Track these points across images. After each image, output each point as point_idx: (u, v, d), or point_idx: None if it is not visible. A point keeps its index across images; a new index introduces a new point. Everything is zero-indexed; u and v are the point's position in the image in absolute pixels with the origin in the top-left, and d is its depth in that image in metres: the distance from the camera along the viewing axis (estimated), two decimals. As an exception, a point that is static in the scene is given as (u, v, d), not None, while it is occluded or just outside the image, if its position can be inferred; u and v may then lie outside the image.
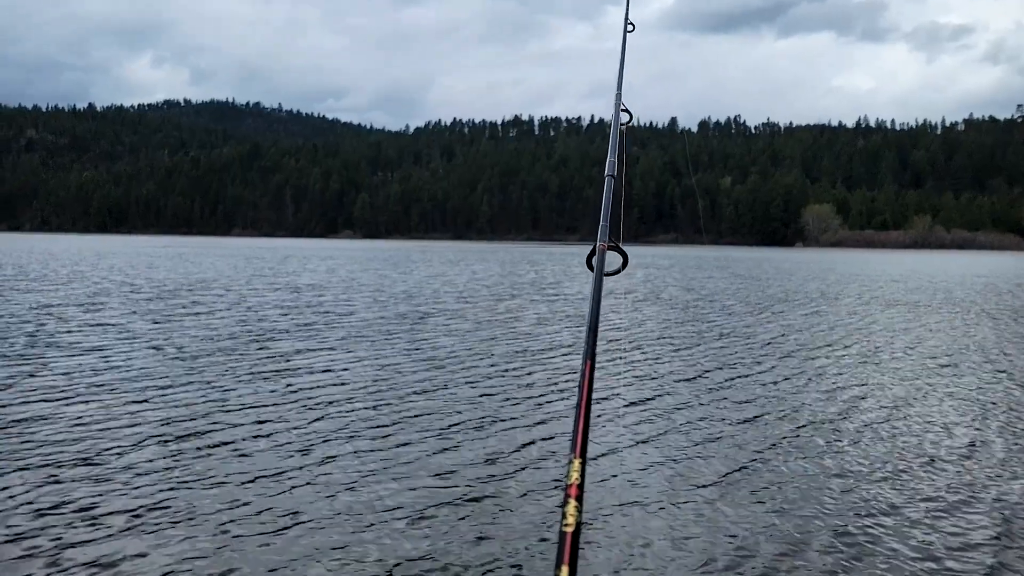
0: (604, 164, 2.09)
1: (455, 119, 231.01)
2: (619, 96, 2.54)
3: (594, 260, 1.79)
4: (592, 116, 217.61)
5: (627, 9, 2.96)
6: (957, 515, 4.11)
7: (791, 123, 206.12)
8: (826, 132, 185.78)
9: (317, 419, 5.82)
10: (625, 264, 1.86)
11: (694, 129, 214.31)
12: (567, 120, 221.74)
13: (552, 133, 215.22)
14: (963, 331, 12.76)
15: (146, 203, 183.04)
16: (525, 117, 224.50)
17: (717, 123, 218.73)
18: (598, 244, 1.81)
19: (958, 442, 5.55)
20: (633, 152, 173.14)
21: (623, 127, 2.39)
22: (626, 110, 2.47)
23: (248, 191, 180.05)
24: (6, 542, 3.53)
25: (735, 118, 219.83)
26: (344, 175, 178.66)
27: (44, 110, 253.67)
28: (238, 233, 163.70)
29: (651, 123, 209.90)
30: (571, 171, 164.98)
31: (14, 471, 4.43)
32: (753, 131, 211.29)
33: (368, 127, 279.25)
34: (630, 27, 2.88)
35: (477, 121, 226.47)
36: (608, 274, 1.76)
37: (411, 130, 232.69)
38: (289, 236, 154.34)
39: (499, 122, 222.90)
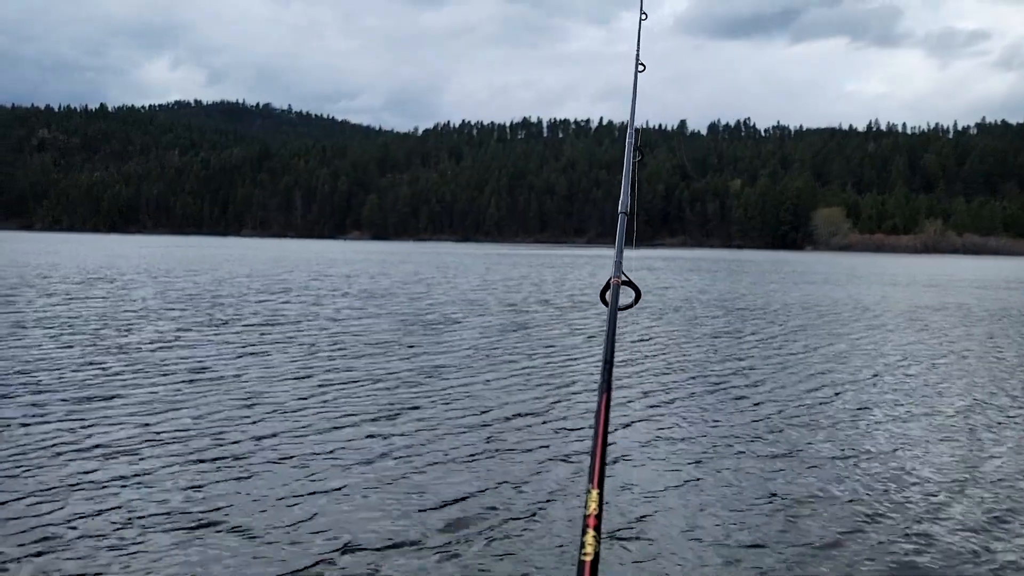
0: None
1: (464, 121, 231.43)
2: (630, 135, 2.51)
3: (608, 295, 1.81)
4: (601, 118, 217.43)
5: (638, 50, 2.94)
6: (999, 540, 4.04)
7: (801, 126, 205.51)
8: (836, 135, 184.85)
9: (355, 426, 5.80)
10: (638, 298, 1.87)
11: (703, 131, 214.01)
12: (575, 122, 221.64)
13: (561, 135, 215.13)
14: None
15: (156, 203, 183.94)
16: (534, 119, 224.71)
17: (727, 126, 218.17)
18: (612, 279, 1.84)
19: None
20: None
21: (635, 162, 2.38)
22: (639, 148, 2.46)
23: (258, 192, 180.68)
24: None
25: (745, 120, 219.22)
26: (353, 176, 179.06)
27: (56, 110, 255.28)
28: (247, 233, 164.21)
29: (660, 125, 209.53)
30: (579, 173, 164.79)
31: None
32: (763, 134, 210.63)
33: (378, 128, 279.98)
34: (641, 67, 2.88)
35: (486, 123, 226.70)
36: (622, 308, 1.79)
37: (420, 132, 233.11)
38: (298, 237, 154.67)
39: (507, 124, 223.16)
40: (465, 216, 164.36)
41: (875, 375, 9.09)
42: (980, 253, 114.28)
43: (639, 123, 2.59)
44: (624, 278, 1.86)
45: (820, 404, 7.36)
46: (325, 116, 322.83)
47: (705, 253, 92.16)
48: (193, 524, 3.97)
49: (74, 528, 3.89)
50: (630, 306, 1.85)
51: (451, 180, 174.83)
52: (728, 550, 3.89)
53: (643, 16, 3.11)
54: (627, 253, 1.97)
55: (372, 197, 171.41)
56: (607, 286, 1.83)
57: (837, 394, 7.88)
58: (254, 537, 3.86)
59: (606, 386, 1.47)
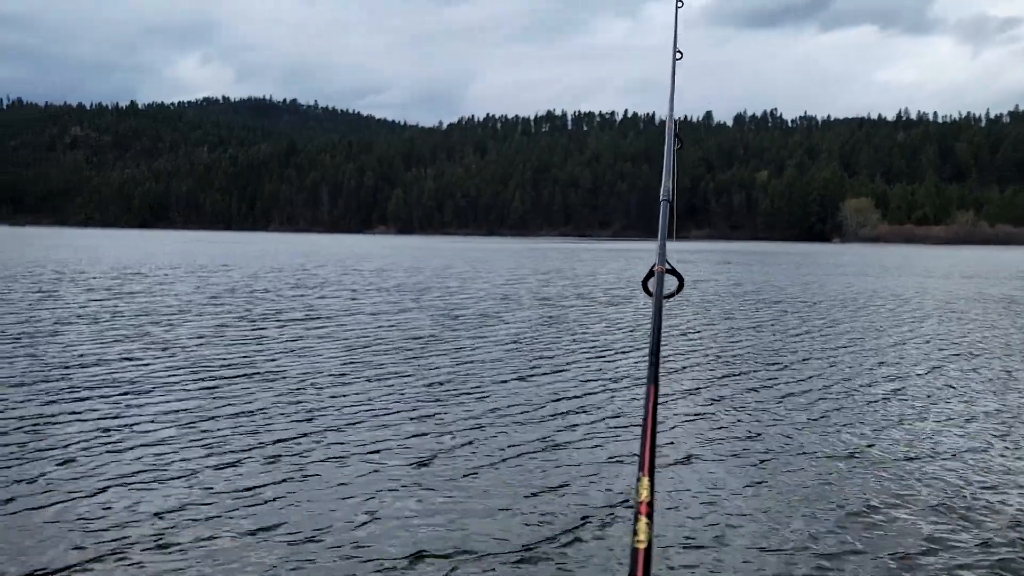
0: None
1: (488, 114, 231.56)
2: (670, 122, 2.53)
3: (651, 283, 1.80)
4: (626, 110, 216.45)
5: (675, 38, 2.94)
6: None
7: (829, 116, 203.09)
8: (865, 125, 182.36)
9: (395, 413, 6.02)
10: (681, 287, 1.86)
11: (729, 123, 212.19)
12: (600, 115, 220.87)
13: (585, 128, 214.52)
14: None
15: (186, 199, 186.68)
16: (559, 112, 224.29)
17: (753, 116, 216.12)
18: (656, 267, 1.83)
19: None
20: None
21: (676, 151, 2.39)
22: (678, 135, 2.45)
23: (285, 187, 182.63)
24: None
25: (771, 111, 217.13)
26: (378, 171, 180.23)
27: (88, 108, 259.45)
28: (275, 229, 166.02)
29: (685, 117, 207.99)
30: (603, 166, 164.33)
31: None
32: (790, 124, 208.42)
33: (403, 123, 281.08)
34: (678, 55, 2.87)
35: (510, 116, 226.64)
36: (665, 297, 1.78)
37: (444, 126, 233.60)
38: (325, 231, 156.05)
39: (531, 117, 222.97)
40: (490, 210, 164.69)
41: (926, 368, 8.89)
42: (1013, 244, 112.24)
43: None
44: (668, 266, 1.86)
45: (871, 399, 7.22)
46: (351, 111, 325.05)
47: (733, 245, 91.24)
48: (240, 526, 3.92)
49: (120, 529, 3.85)
50: (673, 295, 1.85)
51: (476, 174, 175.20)
52: (786, 537, 3.94)
53: (679, 3, 3.12)
54: (674, 245, 1.95)
55: (397, 192, 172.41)
56: (650, 274, 1.83)
57: (888, 388, 7.70)
58: (301, 542, 3.78)
59: (654, 375, 1.48)
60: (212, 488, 4.45)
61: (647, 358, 1.54)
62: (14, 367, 7.82)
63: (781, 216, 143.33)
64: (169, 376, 7.53)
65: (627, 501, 4.41)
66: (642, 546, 1.13)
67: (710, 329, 12.39)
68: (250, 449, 5.21)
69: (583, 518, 4.15)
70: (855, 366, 8.98)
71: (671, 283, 1.85)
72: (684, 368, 8.77)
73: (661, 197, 2.18)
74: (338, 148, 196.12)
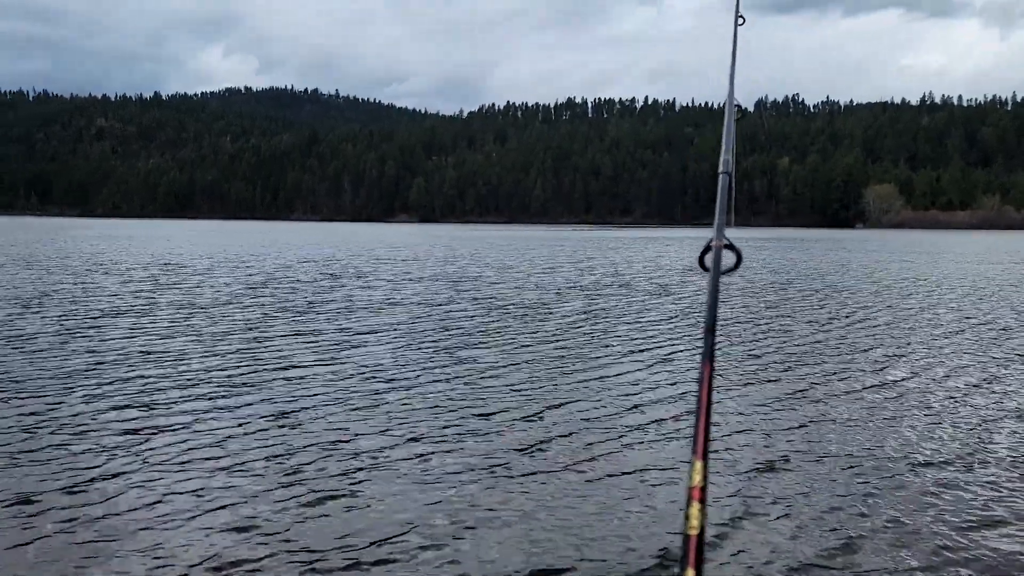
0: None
1: (509, 102, 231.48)
2: (731, 91, 2.46)
3: (708, 259, 1.76)
4: (647, 97, 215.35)
5: (737, 2, 2.83)
6: None
7: (852, 101, 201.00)
8: (889, 110, 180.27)
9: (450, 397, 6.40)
10: (739, 263, 1.81)
11: (750, 108, 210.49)
12: (620, 102, 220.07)
13: (605, 115, 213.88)
14: None
15: (210, 189, 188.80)
16: (579, 100, 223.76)
17: (775, 102, 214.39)
18: (713, 242, 1.78)
19: None
20: (686, 133, 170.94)
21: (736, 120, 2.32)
22: (738, 105, 2.38)
23: (307, 177, 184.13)
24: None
25: (793, 97, 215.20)
26: (400, 160, 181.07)
27: (113, 99, 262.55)
28: (298, 218, 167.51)
29: (707, 104, 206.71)
30: (624, 154, 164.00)
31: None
32: (812, 110, 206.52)
33: (424, 112, 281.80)
34: (741, 20, 2.72)
35: (531, 104, 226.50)
36: (722, 273, 1.75)
37: (465, 114, 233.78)
38: (347, 221, 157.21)
39: (552, 105, 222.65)
40: (511, 198, 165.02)
41: (988, 358, 8.71)
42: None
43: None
44: (725, 241, 1.80)
45: (932, 392, 6.95)
46: (372, 101, 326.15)
47: (757, 232, 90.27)
48: (301, 539, 3.72)
49: (166, 533, 3.73)
50: (731, 270, 1.79)
51: (497, 162, 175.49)
52: (841, 526, 3.87)
53: None
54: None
55: (419, 180, 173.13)
56: (706, 249, 1.78)
57: (950, 383, 7.37)
58: (364, 555, 3.56)
59: (709, 354, 1.44)
60: (266, 498, 4.20)
61: (703, 336, 1.50)
62: (60, 363, 7.75)
63: (803, 202, 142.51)
64: (213, 373, 7.38)
65: (679, 484, 4.39)
66: (694, 532, 1.10)
67: (763, 312, 12.68)
68: (303, 450, 5.03)
69: (633, 502, 4.15)
70: (917, 355, 8.86)
71: (728, 259, 1.81)
72: (739, 349, 9.01)
73: (720, 170, 2.08)
74: (360, 137, 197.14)
